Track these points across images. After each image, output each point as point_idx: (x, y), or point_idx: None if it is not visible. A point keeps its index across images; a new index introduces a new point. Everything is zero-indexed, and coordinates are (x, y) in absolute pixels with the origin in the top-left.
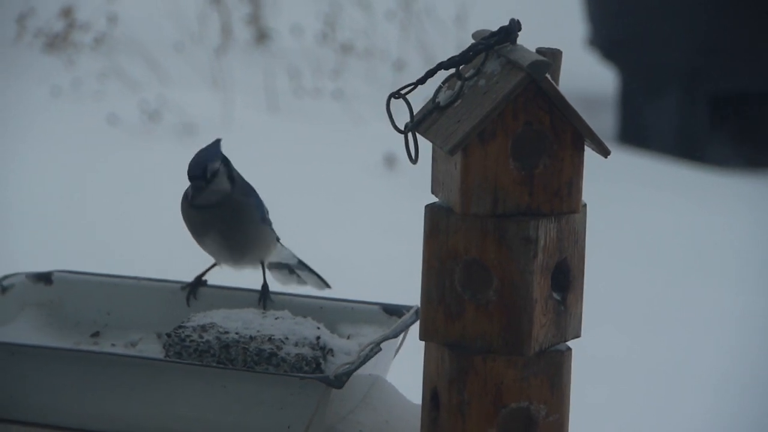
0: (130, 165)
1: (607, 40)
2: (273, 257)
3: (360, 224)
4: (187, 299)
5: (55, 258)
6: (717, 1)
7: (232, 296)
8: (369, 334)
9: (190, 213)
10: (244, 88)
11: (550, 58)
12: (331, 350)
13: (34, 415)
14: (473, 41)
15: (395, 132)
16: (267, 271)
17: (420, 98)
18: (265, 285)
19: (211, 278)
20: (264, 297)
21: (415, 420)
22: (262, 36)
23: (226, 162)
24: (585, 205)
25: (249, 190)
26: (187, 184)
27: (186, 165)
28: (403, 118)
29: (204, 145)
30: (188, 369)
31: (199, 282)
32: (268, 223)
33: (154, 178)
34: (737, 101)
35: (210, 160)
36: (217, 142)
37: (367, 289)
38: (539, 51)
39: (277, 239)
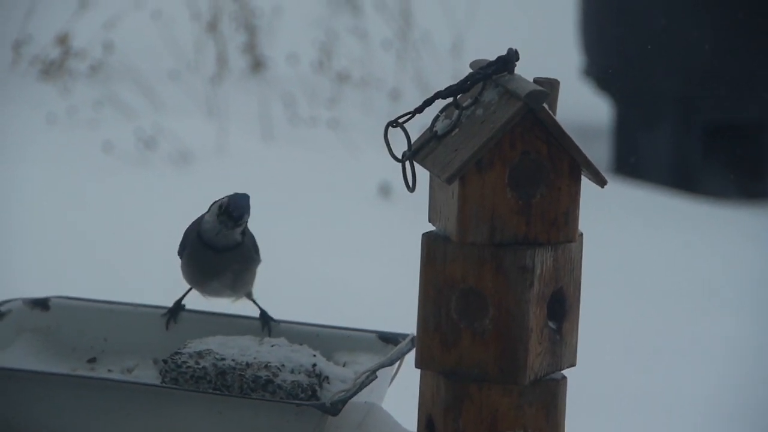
0: (126, 192)
1: (602, 70)
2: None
3: (356, 252)
4: (167, 324)
5: (52, 284)
6: (712, 32)
7: (229, 323)
8: (365, 361)
9: (205, 255)
10: (239, 117)
11: (548, 87)
12: (327, 377)
13: None
14: (471, 70)
15: (391, 161)
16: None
17: (417, 127)
18: (263, 312)
19: (207, 306)
20: (267, 323)
21: None
22: (257, 64)
23: None
24: (581, 235)
25: (246, 230)
26: (180, 222)
27: (183, 194)
28: (400, 147)
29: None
30: (184, 395)
31: (179, 306)
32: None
33: (149, 206)
34: (733, 132)
35: (247, 211)
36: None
37: (363, 317)
38: (537, 81)
39: None
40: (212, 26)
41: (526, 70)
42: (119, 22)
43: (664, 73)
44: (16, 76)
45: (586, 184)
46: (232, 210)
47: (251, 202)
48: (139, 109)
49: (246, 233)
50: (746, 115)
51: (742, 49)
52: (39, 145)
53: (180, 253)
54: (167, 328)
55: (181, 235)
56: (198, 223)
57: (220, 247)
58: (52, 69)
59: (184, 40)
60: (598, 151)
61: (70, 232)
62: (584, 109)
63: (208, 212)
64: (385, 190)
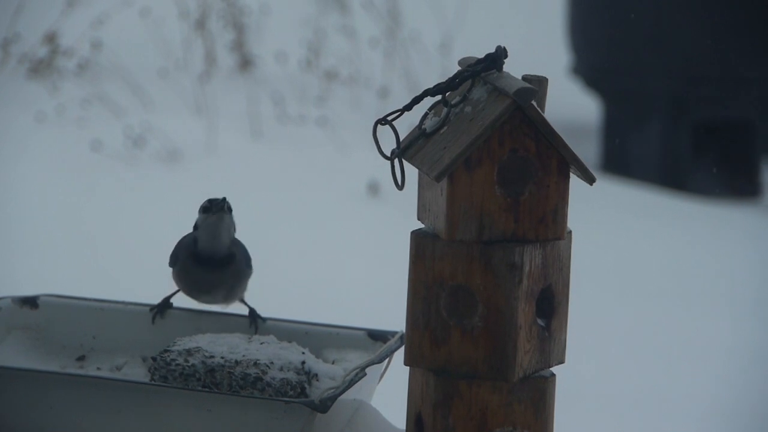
0: (115, 190)
1: (590, 68)
2: None
3: (345, 250)
4: (153, 318)
5: (41, 282)
6: (700, 30)
7: (218, 321)
8: (354, 359)
9: (198, 272)
10: (227, 115)
11: (536, 85)
12: (316, 375)
13: None
14: (459, 68)
15: (380, 159)
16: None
17: (406, 125)
18: (252, 310)
19: (196, 304)
20: (254, 321)
21: None
22: (246, 62)
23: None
24: (570, 232)
25: (237, 241)
26: (169, 220)
27: (172, 191)
28: (389, 145)
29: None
30: (174, 392)
31: (167, 303)
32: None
33: (138, 204)
34: (721, 130)
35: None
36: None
37: (352, 315)
38: (525, 78)
39: None
40: (200, 24)
41: (514, 68)
42: (107, 21)
43: (653, 72)
44: (5, 75)
45: (575, 182)
46: (212, 199)
47: (239, 201)
48: (128, 107)
49: (238, 245)
50: (734, 113)
51: (730, 48)
52: (28, 143)
53: (171, 265)
54: (153, 322)
55: (173, 242)
56: (190, 240)
57: (216, 258)
58: (41, 67)
59: (172, 38)
60: (587, 149)
61: (60, 230)
62: (573, 107)
63: (196, 228)
64: (373, 188)
